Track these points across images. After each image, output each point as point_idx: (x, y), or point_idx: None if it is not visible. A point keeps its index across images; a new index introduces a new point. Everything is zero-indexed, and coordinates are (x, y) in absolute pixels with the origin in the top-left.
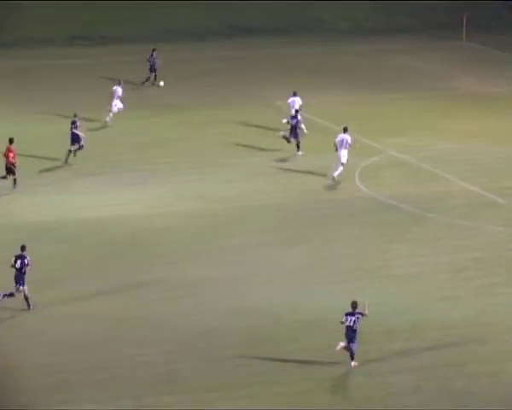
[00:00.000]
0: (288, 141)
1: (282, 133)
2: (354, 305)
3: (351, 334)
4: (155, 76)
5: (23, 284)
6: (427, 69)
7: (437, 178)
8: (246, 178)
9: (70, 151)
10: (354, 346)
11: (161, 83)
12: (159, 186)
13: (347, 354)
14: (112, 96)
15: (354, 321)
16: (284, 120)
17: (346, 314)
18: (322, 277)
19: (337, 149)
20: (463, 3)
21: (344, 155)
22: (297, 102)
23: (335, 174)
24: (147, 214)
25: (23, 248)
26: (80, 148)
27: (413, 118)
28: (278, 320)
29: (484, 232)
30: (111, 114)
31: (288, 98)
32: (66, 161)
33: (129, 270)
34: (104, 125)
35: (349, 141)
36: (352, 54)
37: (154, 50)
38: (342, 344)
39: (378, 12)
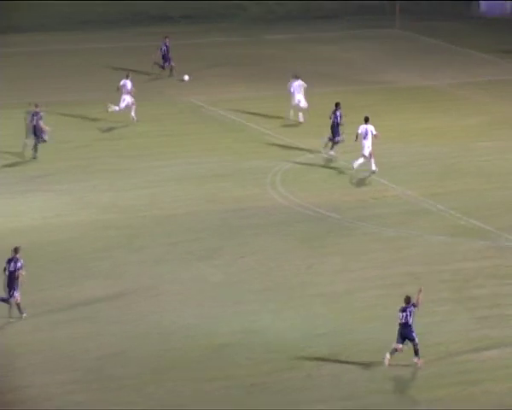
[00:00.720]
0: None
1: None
2: (408, 300)
3: (406, 330)
4: (171, 67)
5: (16, 290)
6: (354, 60)
7: (369, 183)
8: (153, 185)
9: (35, 144)
10: (415, 341)
11: (186, 77)
12: (56, 194)
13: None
14: (120, 90)
15: (407, 316)
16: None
17: (400, 311)
18: (239, 295)
19: (361, 139)
20: None
21: (368, 145)
22: (302, 86)
23: (355, 164)
24: (42, 225)
25: (16, 250)
26: (40, 141)
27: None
28: (190, 344)
29: (421, 243)
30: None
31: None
32: (34, 157)
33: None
34: None
35: (373, 131)
36: (265, 43)
37: (166, 38)
38: (388, 357)
39: None
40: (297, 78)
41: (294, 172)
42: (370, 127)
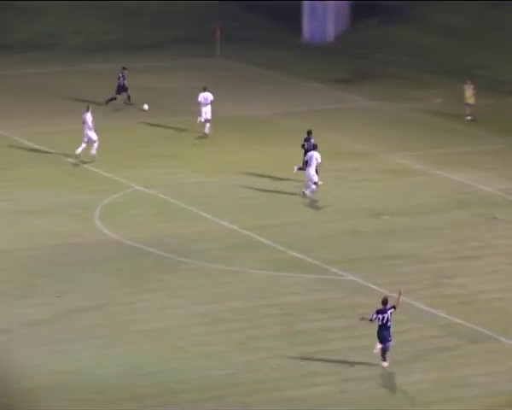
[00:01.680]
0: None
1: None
2: (385, 301)
3: (385, 332)
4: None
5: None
6: (177, 90)
7: (191, 217)
8: None
9: None
10: (390, 344)
11: (145, 106)
12: None
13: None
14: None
15: (387, 318)
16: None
17: (378, 312)
18: (60, 334)
19: (305, 168)
20: (216, 16)
21: (313, 173)
22: (209, 98)
23: (308, 191)
24: None
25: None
26: None
27: (161, 147)
28: (6, 388)
29: (246, 277)
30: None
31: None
32: None
33: None
34: None
35: (319, 159)
36: (83, 73)
37: (124, 69)
38: (379, 346)
39: (117, 25)
40: (205, 90)
41: (115, 207)
42: (316, 154)
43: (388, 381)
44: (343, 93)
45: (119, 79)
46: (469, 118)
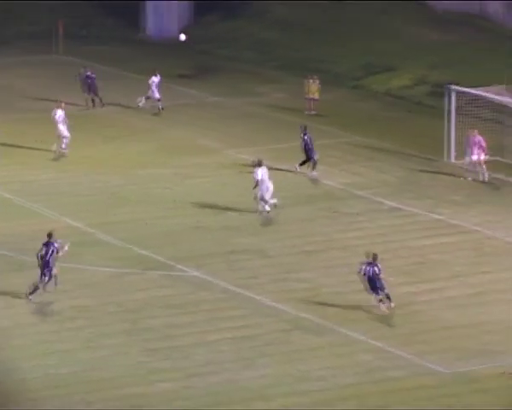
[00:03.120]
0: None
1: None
2: (375, 257)
3: (378, 282)
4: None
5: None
6: (17, 87)
7: (35, 215)
8: None
9: None
10: (386, 290)
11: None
12: None
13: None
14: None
15: (371, 270)
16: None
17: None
18: None
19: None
20: (58, 13)
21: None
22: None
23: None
24: None
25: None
26: None
27: (4, 145)
28: None
29: (90, 275)
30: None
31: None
32: None
33: None
34: None
35: (267, 174)
36: None
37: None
38: (383, 308)
39: None
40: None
41: None
42: (264, 170)
43: (232, 376)
44: (186, 89)
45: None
46: (313, 112)
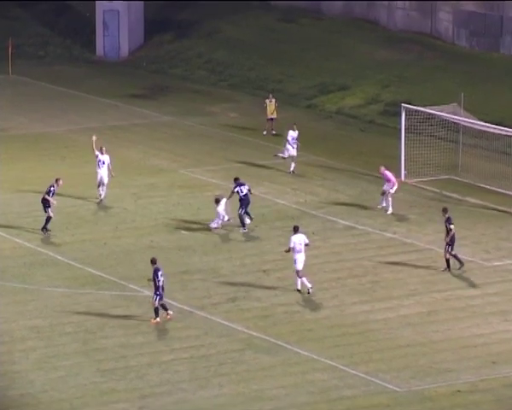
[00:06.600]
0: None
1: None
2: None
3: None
4: None
5: None
6: None
7: None
8: None
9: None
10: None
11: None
12: None
13: None
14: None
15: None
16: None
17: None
18: None
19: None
20: (8, 32)
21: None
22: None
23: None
24: None
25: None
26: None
27: None
28: None
29: (43, 296)
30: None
31: None
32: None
33: None
34: None
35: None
36: None
37: None
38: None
39: None
40: None
41: None
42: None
43: (187, 396)
44: (138, 108)
45: None
46: (273, 132)
